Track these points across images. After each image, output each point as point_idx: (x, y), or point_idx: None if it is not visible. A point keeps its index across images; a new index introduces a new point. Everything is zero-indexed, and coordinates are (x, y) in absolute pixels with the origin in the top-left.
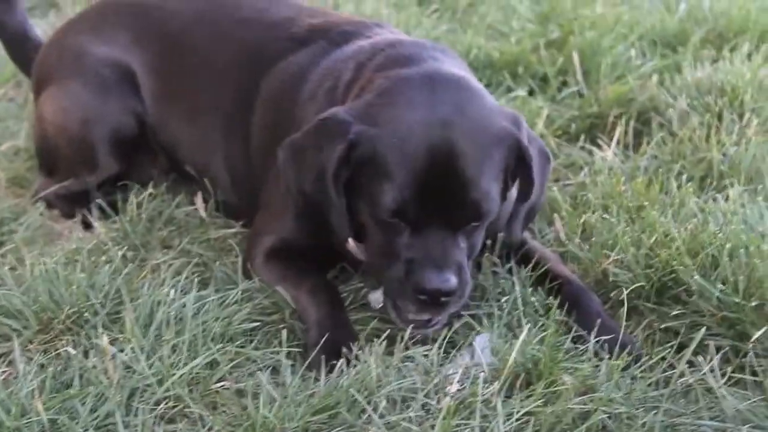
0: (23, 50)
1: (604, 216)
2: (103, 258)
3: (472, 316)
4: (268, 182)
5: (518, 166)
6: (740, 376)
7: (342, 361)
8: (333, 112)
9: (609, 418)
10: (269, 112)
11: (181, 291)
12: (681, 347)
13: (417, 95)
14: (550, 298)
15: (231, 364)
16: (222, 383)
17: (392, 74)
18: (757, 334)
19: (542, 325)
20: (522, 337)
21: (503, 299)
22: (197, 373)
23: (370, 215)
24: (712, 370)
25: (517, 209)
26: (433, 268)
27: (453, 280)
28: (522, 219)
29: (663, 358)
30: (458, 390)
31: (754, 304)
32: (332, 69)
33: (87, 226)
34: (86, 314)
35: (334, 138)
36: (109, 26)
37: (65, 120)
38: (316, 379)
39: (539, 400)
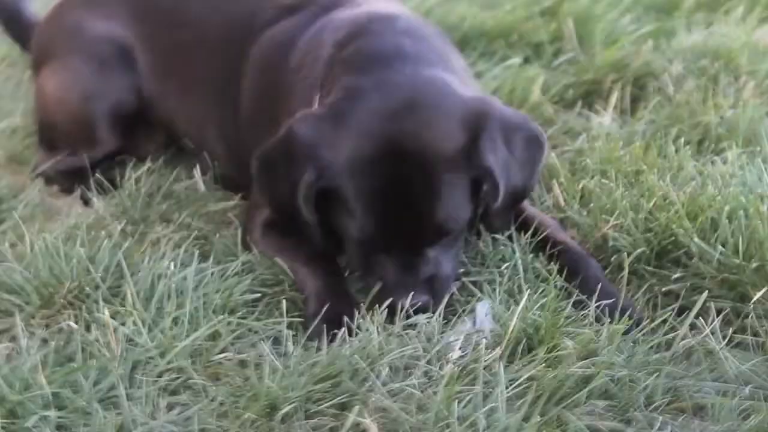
0: (20, 26)
1: (602, 181)
2: (103, 233)
3: (473, 283)
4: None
5: (481, 176)
6: (741, 337)
7: (343, 330)
8: (301, 131)
9: (611, 381)
10: (258, 77)
11: (182, 264)
12: (682, 310)
13: (369, 122)
14: (551, 264)
15: (233, 336)
16: (224, 355)
17: (353, 84)
18: (758, 295)
19: (543, 291)
20: (522, 303)
21: (503, 266)
22: (199, 344)
23: (344, 238)
24: (713, 332)
25: (491, 208)
26: (402, 291)
27: (423, 299)
28: (500, 213)
29: (664, 321)
30: (460, 357)
31: (754, 265)
32: (318, 37)
33: (86, 201)
34: (87, 289)
35: (302, 163)
36: (105, 1)
37: (66, 96)
38: (318, 349)
39: (541, 365)
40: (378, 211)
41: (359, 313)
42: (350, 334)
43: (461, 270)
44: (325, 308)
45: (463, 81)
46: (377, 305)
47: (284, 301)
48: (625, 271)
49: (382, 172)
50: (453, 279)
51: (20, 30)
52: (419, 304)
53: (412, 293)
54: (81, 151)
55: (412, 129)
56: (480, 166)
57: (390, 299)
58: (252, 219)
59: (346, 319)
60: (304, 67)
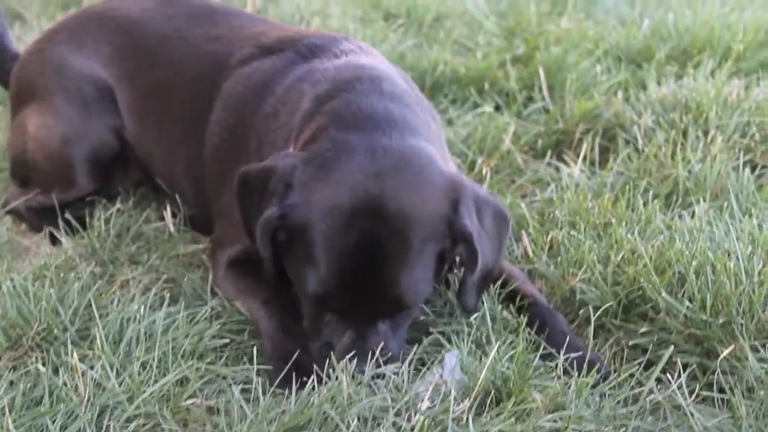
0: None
1: (571, 233)
2: (72, 274)
3: (441, 333)
4: (225, 188)
5: (458, 243)
6: (708, 393)
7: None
8: (282, 166)
9: None
10: (229, 114)
11: (151, 307)
12: (649, 364)
13: (357, 176)
14: (520, 316)
15: (201, 381)
16: (193, 400)
17: (339, 138)
18: (725, 351)
19: (511, 342)
20: (492, 354)
21: (472, 316)
22: (168, 390)
23: (297, 287)
24: (680, 388)
25: (465, 280)
26: (348, 358)
27: (366, 372)
28: (474, 289)
29: (631, 375)
30: (429, 407)
31: (721, 321)
32: (296, 88)
33: (55, 241)
34: (56, 331)
35: (272, 198)
36: (90, 40)
37: (46, 136)
38: (283, 394)
39: (510, 417)
40: (343, 266)
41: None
42: (307, 375)
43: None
44: (283, 351)
45: (440, 151)
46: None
47: (254, 348)
48: (592, 325)
49: (356, 225)
50: (398, 359)
51: (1, 63)
52: (364, 373)
53: (360, 362)
54: (55, 192)
55: (395, 191)
56: (461, 233)
57: (336, 360)
58: (215, 258)
59: (305, 359)
60: (280, 115)
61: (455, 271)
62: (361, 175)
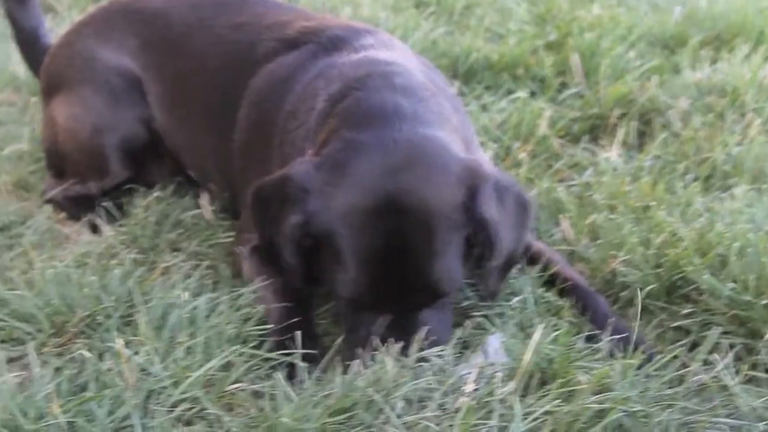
0: (34, 51)
1: (610, 216)
2: (113, 261)
3: (485, 317)
4: (249, 180)
5: (477, 230)
6: (754, 373)
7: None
8: (298, 175)
9: (625, 416)
10: (254, 110)
11: (193, 293)
12: (693, 346)
13: (372, 174)
14: (562, 299)
15: (246, 366)
16: (237, 385)
17: (351, 138)
18: None
19: (555, 324)
20: (536, 336)
21: (514, 299)
22: (212, 374)
23: (330, 289)
24: (725, 368)
25: (485, 265)
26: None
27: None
28: (496, 274)
29: (676, 357)
30: (474, 390)
31: (764, 302)
32: (314, 85)
33: (95, 229)
34: (99, 317)
35: (292, 205)
36: (117, 32)
37: (77, 127)
38: (331, 380)
39: (556, 399)
40: (372, 266)
41: (319, 348)
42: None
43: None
44: (284, 331)
45: (462, 140)
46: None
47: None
48: (637, 307)
49: (379, 225)
50: (444, 343)
51: (36, 55)
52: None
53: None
54: (90, 181)
55: (410, 184)
56: (478, 220)
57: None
58: (238, 244)
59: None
60: (299, 114)
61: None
62: (375, 173)
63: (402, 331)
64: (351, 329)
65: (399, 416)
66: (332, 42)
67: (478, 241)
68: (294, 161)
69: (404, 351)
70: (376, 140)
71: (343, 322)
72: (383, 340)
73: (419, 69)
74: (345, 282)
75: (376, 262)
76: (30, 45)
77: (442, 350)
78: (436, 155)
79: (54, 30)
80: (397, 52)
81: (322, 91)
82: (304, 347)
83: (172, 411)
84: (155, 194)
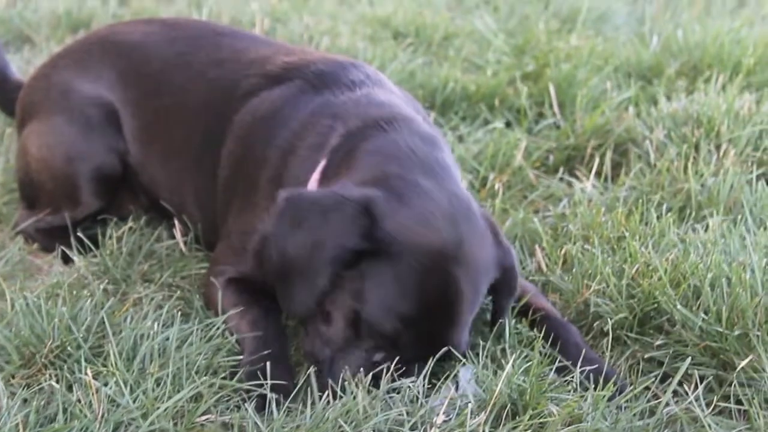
0: (3, 89)
1: (585, 247)
2: (85, 292)
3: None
4: (231, 214)
5: (503, 274)
6: (725, 405)
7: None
8: (362, 197)
9: None
10: (239, 145)
11: (164, 324)
12: (665, 377)
13: (441, 220)
14: (533, 330)
15: (215, 397)
16: (207, 416)
17: (412, 180)
18: (742, 363)
19: (526, 356)
20: (508, 368)
21: (486, 330)
22: (182, 406)
23: (353, 319)
24: (696, 400)
25: (504, 305)
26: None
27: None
28: (508, 311)
29: (647, 388)
30: (445, 421)
31: (737, 333)
32: (315, 123)
33: (67, 260)
34: (69, 348)
35: (355, 225)
36: (94, 64)
37: (49, 156)
38: (302, 411)
39: (527, 430)
40: (423, 305)
41: (293, 380)
42: (277, 405)
43: None
44: (258, 360)
45: None
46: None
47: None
48: (608, 337)
49: (442, 268)
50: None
51: (5, 93)
52: None
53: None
54: (63, 211)
55: (469, 237)
56: (507, 266)
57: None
58: (212, 276)
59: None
60: (299, 150)
61: None
62: (445, 220)
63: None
64: (346, 351)
65: None
66: (319, 78)
67: (503, 283)
68: (339, 183)
69: (375, 382)
70: (438, 190)
71: (337, 343)
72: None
73: (408, 101)
74: (391, 316)
75: (428, 305)
76: None
77: (413, 381)
78: (476, 212)
79: (32, 61)
80: (386, 87)
81: (333, 128)
82: (278, 378)
83: None
84: (128, 225)
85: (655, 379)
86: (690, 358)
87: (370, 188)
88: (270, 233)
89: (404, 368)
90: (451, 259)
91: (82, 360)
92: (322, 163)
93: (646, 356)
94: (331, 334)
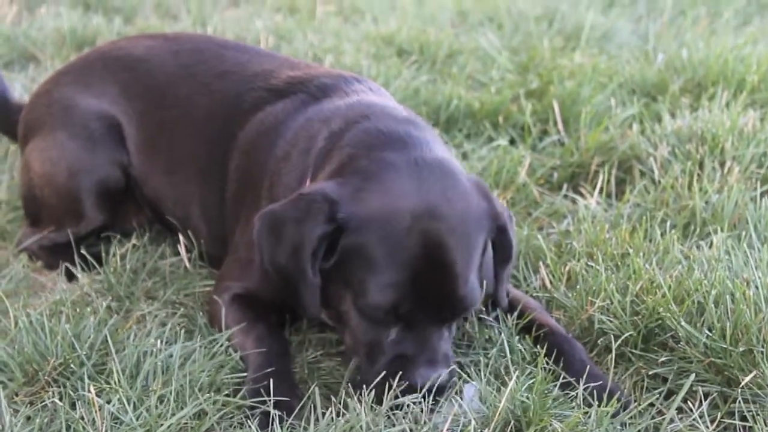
0: (4, 113)
1: (588, 264)
2: (88, 309)
3: (459, 365)
4: (238, 227)
5: (497, 235)
6: (729, 421)
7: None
8: (320, 189)
9: None
10: (244, 159)
11: (167, 341)
12: (669, 394)
13: (405, 184)
14: (536, 347)
15: (219, 414)
16: None
17: (376, 156)
18: (746, 379)
19: (530, 372)
20: (511, 384)
21: (490, 347)
22: (185, 423)
23: (355, 306)
24: (701, 416)
25: (500, 273)
26: (426, 366)
27: (445, 376)
28: (507, 281)
29: (651, 405)
30: None
31: (741, 349)
32: (307, 128)
33: (71, 277)
34: (72, 365)
35: (318, 215)
36: (97, 79)
37: (52, 171)
38: (305, 429)
39: None
40: (412, 270)
41: (298, 398)
42: (281, 421)
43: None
44: (260, 389)
45: None
46: (390, 380)
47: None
48: (612, 354)
49: (418, 228)
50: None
51: (7, 115)
52: (443, 377)
53: (434, 369)
54: (66, 227)
55: (444, 194)
56: (501, 223)
57: (413, 372)
58: (218, 292)
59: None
60: (292, 157)
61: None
62: (410, 184)
63: (429, 347)
64: (372, 353)
65: None
66: (321, 90)
67: (497, 246)
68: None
69: (430, 371)
70: (402, 159)
71: (358, 348)
72: (414, 354)
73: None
74: (381, 288)
75: (415, 266)
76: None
77: (416, 398)
78: (456, 172)
79: (36, 80)
80: (385, 97)
81: (320, 131)
82: (282, 395)
83: None
84: (132, 242)
85: (660, 395)
86: (694, 374)
87: (335, 177)
88: (260, 254)
89: (422, 339)
90: (423, 216)
91: (86, 377)
92: (311, 168)
93: (650, 373)
94: (349, 327)
